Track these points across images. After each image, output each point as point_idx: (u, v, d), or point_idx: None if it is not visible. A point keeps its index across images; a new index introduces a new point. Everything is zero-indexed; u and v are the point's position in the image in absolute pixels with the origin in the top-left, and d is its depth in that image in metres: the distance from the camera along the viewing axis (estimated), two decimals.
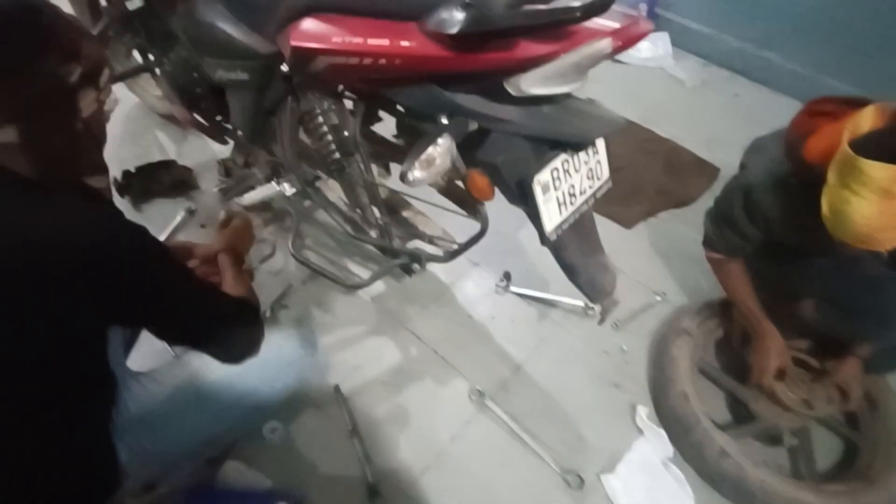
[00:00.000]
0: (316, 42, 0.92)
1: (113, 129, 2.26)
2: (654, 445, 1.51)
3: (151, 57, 1.72)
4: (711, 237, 1.50)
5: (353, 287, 1.39)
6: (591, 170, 1.06)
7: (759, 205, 1.31)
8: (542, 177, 0.96)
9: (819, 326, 1.53)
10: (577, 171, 1.03)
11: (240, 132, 1.49)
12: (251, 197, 1.39)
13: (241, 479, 1.38)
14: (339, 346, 1.67)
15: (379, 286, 1.84)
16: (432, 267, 1.92)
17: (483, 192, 0.99)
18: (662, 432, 1.54)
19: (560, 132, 0.95)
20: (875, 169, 0.94)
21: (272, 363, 1.21)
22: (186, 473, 1.29)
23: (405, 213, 1.36)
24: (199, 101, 1.60)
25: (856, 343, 1.50)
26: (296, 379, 1.30)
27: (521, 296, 1.84)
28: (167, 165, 2.06)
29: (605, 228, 2.15)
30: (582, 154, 1.03)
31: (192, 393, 1.11)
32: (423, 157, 0.90)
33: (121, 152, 2.14)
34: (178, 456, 1.15)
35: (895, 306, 1.34)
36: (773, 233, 1.33)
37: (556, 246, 1.07)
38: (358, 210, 1.28)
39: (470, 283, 1.88)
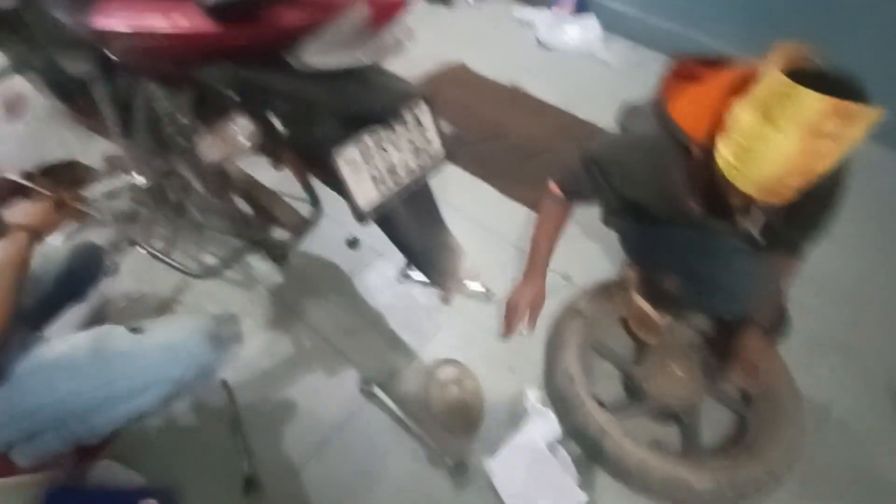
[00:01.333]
0: (104, 24, 0.89)
1: (17, 129, 2.27)
2: (541, 428, 1.49)
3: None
4: (565, 172, 1.46)
5: (197, 276, 1.36)
6: (416, 146, 1.04)
7: (625, 166, 1.30)
8: (348, 153, 0.94)
9: (685, 302, 1.52)
10: (395, 147, 1.01)
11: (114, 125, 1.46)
12: (99, 189, 1.37)
13: (112, 478, 1.36)
14: (231, 340, 1.64)
15: (277, 278, 1.82)
16: (334, 257, 1.90)
17: (296, 170, 0.96)
18: (552, 414, 1.52)
19: (354, 106, 0.92)
20: (812, 100, 0.91)
21: (175, 348, 1.20)
22: (51, 453, 1.23)
23: (262, 200, 1.34)
24: (73, 97, 1.57)
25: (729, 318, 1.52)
26: (196, 374, 1.25)
27: (423, 283, 1.82)
28: (70, 165, 2.03)
29: (518, 213, 2.15)
30: (401, 129, 1.01)
31: (86, 354, 1.10)
32: (220, 137, 0.87)
33: (24, 153, 2.11)
34: (49, 419, 1.09)
35: (743, 280, 1.33)
36: (632, 193, 1.32)
37: (384, 225, 1.05)
38: (213, 199, 1.25)
39: (372, 273, 1.86)
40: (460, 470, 1.41)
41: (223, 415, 1.48)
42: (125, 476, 1.37)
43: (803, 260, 1.45)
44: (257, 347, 1.64)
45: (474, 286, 1.82)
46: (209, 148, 0.88)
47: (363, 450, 1.46)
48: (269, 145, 0.98)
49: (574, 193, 1.45)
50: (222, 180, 1.21)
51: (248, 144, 0.89)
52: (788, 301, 1.56)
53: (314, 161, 1.00)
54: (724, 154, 1.07)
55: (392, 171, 1.01)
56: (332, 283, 1.83)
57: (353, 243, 1.93)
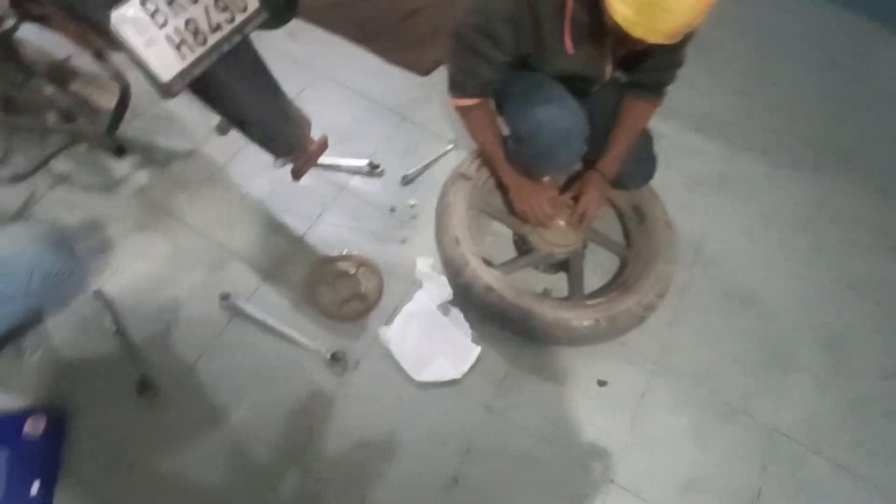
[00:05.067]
0: None
1: None
2: (432, 292, 1.53)
3: None
4: (459, 78, 1.39)
5: (12, 180, 1.21)
6: (219, 0, 0.89)
7: (502, 19, 1.23)
8: (127, 12, 0.79)
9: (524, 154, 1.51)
10: (193, 1, 0.86)
11: None
12: None
13: None
14: (97, 249, 1.53)
15: (142, 177, 1.67)
16: (206, 147, 1.75)
17: (76, 38, 0.81)
18: (443, 278, 1.55)
19: None
20: None
21: (5, 262, 1.11)
22: None
23: (75, 86, 1.16)
24: None
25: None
26: (43, 282, 1.17)
27: None
28: None
29: (398, 78, 2.02)
30: None
31: None
32: None
33: None
34: None
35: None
36: (514, 43, 1.27)
37: (203, 95, 0.93)
38: (11, 89, 1.07)
39: (245, 160, 1.73)
40: (336, 359, 1.41)
41: (102, 325, 1.41)
42: (2, 401, 1.31)
43: (661, 102, 1.47)
44: (130, 251, 1.53)
45: (355, 161, 1.74)
46: None
47: (256, 336, 1.44)
48: (30, 8, 0.81)
49: (475, 87, 1.39)
50: (14, 63, 1.02)
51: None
52: (657, 142, 1.58)
53: (96, 29, 0.84)
54: (621, 11, 1.06)
55: (195, 30, 0.87)
56: (203, 175, 1.70)
57: (222, 129, 1.76)
